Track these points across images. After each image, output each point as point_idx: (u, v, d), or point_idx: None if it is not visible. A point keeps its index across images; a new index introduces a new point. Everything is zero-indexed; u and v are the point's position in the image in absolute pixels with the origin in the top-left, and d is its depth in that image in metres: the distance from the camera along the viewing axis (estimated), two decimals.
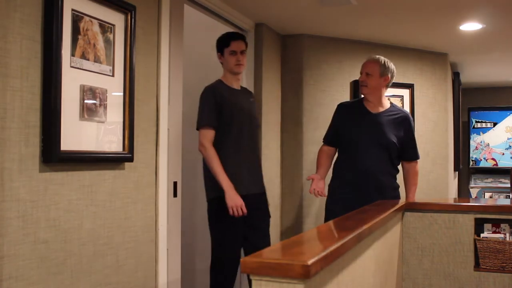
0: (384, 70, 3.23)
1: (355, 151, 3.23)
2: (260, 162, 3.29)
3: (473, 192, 7.43)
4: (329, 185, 3.37)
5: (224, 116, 2.99)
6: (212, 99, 2.98)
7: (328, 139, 3.42)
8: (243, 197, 2.94)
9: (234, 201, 2.87)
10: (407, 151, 3.31)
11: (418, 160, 3.38)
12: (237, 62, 3.06)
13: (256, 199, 3.09)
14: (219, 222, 2.97)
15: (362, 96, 3.37)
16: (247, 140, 3.09)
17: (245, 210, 2.89)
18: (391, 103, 3.38)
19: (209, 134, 2.95)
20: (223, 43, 3.10)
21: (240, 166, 3.03)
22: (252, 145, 3.16)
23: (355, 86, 4.21)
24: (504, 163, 7.39)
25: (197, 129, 3.00)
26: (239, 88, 3.19)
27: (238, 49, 3.06)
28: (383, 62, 3.24)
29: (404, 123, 3.29)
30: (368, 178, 3.18)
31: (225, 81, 3.13)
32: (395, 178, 3.33)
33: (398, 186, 3.35)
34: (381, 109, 3.29)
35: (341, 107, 3.44)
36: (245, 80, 3.86)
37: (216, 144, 2.97)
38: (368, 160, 3.19)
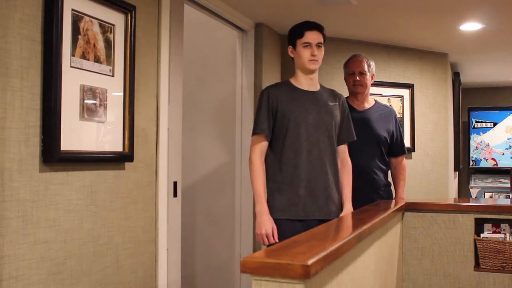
0: (372, 67, 3.27)
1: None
2: (336, 181, 2.68)
3: (473, 192, 7.43)
4: None
5: (278, 123, 2.61)
6: (265, 103, 2.61)
7: None
8: (300, 222, 2.57)
9: (260, 229, 2.53)
10: (396, 146, 3.30)
11: (404, 155, 3.36)
12: (311, 56, 2.61)
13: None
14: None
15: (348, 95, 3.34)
16: (310, 154, 2.59)
17: (271, 240, 2.51)
18: (375, 100, 3.39)
19: (259, 144, 2.61)
20: (296, 33, 2.65)
21: (298, 184, 2.58)
22: (320, 160, 2.61)
23: None
24: (504, 163, 7.39)
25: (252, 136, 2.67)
26: (315, 90, 2.70)
27: (313, 41, 2.60)
28: (368, 60, 3.26)
29: (391, 117, 3.30)
30: (362, 176, 3.13)
31: (294, 81, 2.70)
32: (387, 175, 3.32)
33: (390, 184, 3.34)
34: (367, 106, 3.30)
35: None
36: (245, 80, 3.86)
37: (272, 155, 2.64)
38: (361, 157, 3.14)
